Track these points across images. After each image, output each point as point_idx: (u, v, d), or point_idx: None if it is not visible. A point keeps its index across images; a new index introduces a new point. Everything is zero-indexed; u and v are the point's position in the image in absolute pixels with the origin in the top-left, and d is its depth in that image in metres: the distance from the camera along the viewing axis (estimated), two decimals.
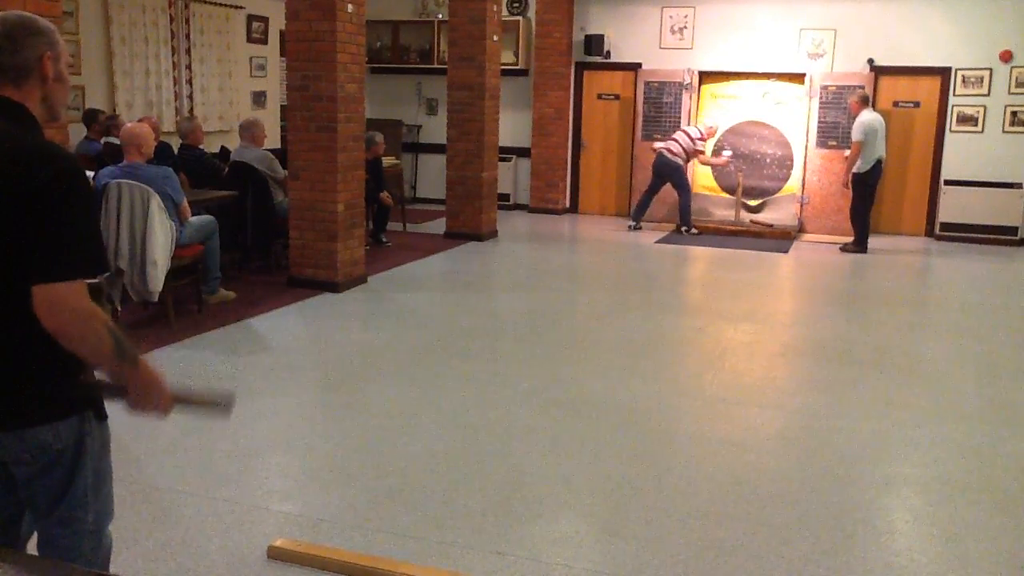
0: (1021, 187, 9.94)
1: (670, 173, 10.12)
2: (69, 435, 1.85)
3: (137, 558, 2.87)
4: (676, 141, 10.14)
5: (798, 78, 10.44)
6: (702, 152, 10.26)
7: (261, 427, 4.04)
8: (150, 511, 3.18)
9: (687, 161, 10.12)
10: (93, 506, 1.94)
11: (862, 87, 9.90)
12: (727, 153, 10.52)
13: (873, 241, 9.43)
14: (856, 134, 9.02)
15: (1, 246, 1.70)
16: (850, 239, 9.52)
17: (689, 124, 10.54)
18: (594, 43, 11.24)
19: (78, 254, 1.73)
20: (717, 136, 10.73)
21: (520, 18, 11.48)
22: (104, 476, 1.97)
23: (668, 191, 10.79)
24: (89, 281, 1.80)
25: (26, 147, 1.74)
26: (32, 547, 2.04)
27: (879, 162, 9.09)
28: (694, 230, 10.23)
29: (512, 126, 11.62)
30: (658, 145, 10.21)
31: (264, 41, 10.70)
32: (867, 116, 9.02)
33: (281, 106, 10.45)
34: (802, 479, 3.66)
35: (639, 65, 11.14)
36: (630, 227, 10.42)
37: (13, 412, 1.80)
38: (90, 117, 7.77)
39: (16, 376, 1.79)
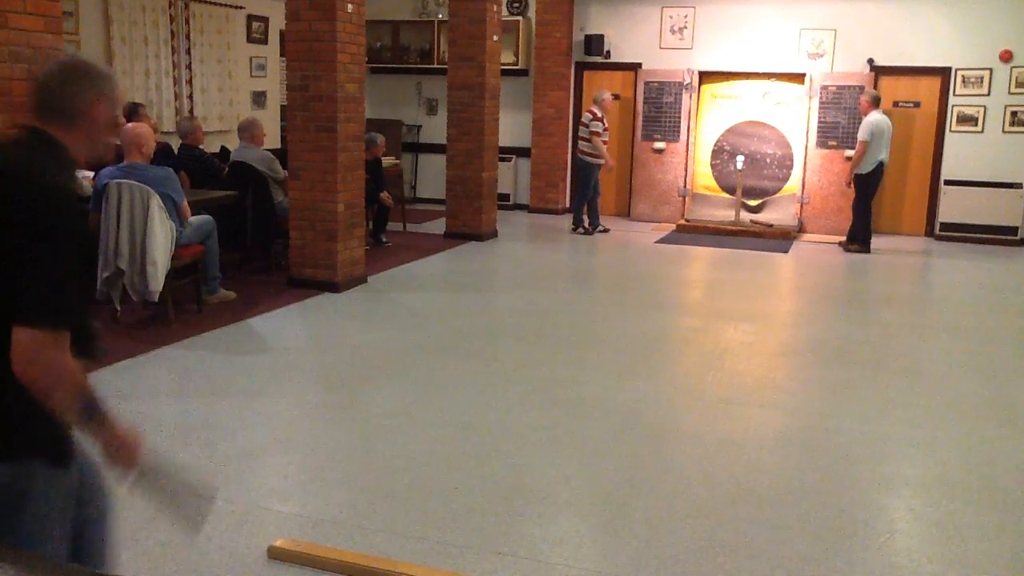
0: (1021, 187, 9.94)
1: (579, 171, 10.10)
2: (8, 476, 1.79)
3: (137, 558, 2.87)
4: (580, 138, 9.95)
5: (798, 78, 10.44)
6: (597, 133, 9.76)
7: (261, 427, 4.04)
8: (150, 511, 3.17)
9: (594, 153, 9.79)
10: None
11: (863, 87, 9.91)
12: (740, 159, 10.45)
13: (873, 241, 9.42)
14: (862, 134, 9.02)
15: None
16: (843, 237, 9.55)
17: (586, 113, 10.03)
18: (594, 43, 11.25)
19: (56, 302, 1.68)
20: (716, 137, 10.75)
21: (520, 18, 11.48)
22: (50, 526, 1.87)
23: (665, 190, 10.81)
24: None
25: (33, 183, 1.74)
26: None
27: (881, 164, 9.09)
28: (581, 229, 10.08)
29: (512, 126, 11.62)
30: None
31: (264, 41, 10.69)
32: (875, 117, 9.02)
33: (281, 106, 10.45)
34: (802, 479, 3.66)
35: (639, 65, 11.14)
36: (573, 229, 10.19)
37: None
38: (131, 111, 7.71)
39: None
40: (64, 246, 1.70)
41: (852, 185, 9.25)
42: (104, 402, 1.80)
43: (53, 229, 1.69)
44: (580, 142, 9.98)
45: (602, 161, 9.88)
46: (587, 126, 9.80)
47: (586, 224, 10.12)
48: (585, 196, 10.11)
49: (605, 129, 9.83)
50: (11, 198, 1.69)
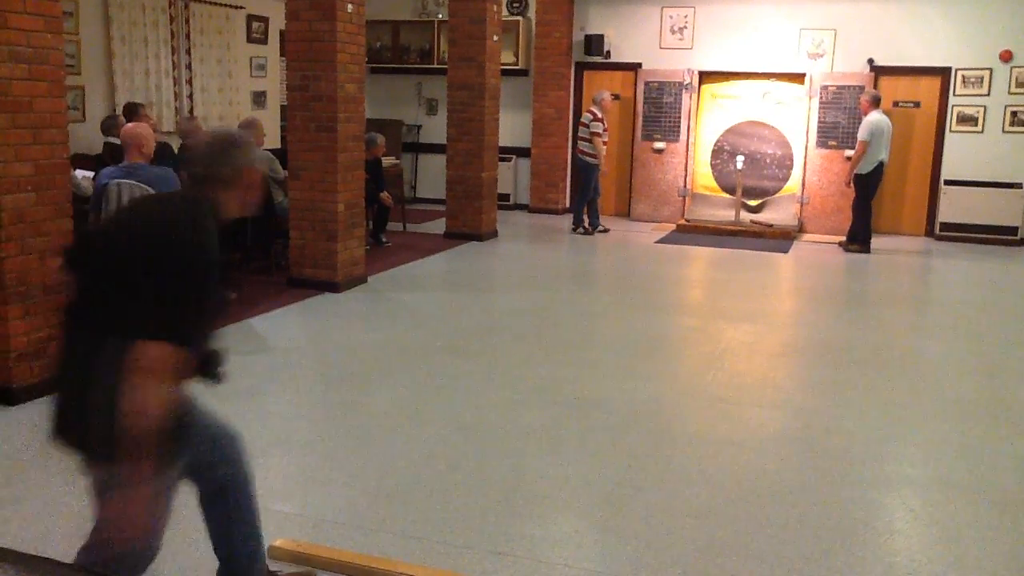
0: (1021, 187, 9.94)
1: (579, 171, 10.10)
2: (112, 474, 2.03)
3: None
4: (580, 138, 9.97)
5: (798, 78, 10.44)
6: (597, 133, 9.78)
7: (261, 427, 4.04)
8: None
9: (594, 153, 9.80)
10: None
11: (863, 87, 9.91)
12: (740, 159, 10.46)
13: (873, 241, 9.43)
14: (862, 133, 9.02)
15: (128, 299, 1.99)
16: (843, 237, 9.56)
17: (586, 114, 10.03)
18: (594, 43, 11.25)
19: (182, 321, 2.01)
20: (716, 137, 10.75)
21: (520, 18, 11.48)
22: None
23: (665, 190, 10.81)
24: None
25: (175, 219, 2.08)
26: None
27: (880, 164, 9.09)
28: (582, 229, 10.09)
29: (512, 126, 11.62)
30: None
31: (264, 41, 10.69)
32: (875, 117, 9.02)
33: (281, 106, 10.45)
34: (802, 479, 3.66)
35: (639, 65, 11.14)
36: (573, 229, 10.20)
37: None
38: (131, 111, 7.71)
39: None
40: (191, 284, 2.03)
41: (852, 185, 9.25)
42: (165, 448, 2.00)
43: (187, 268, 2.03)
44: (580, 142, 9.98)
45: (598, 160, 9.89)
46: (587, 126, 9.80)
47: (586, 224, 10.12)
48: (586, 196, 10.11)
49: (605, 130, 9.83)
50: (162, 242, 2.04)
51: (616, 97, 11.04)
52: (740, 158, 10.44)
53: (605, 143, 9.88)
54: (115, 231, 2.20)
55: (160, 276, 2.00)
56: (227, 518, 2.45)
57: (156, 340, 1.94)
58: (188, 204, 2.17)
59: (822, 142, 10.38)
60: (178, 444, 2.10)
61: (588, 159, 9.87)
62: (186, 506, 3.24)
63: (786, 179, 10.62)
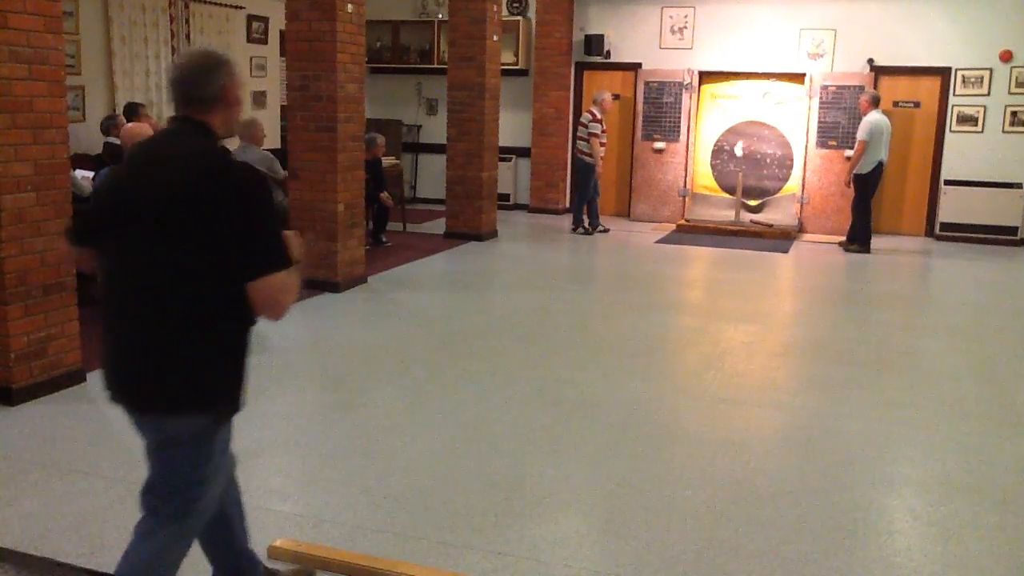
0: (1021, 187, 9.94)
1: (578, 171, 10.11)
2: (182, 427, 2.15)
3: None
4: (579, 138, 9.97)
5: (798, 78, 10.44)
6: (595, 135, 9.77)
7: (261, 427, 4.04)
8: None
9: (591, 154, 9.80)
10: (203, 496, 2.22)
11: (862, 87, 9.91)
12: (739, 146, 10.48)
13: (873, 241, 9.43)
14: (861, 133, 9.03)
15: (184, 242, 2.01)
16: (843, 237, 9.57)
17: (586, 114, 10.02)
18: (594, 43, 11.25)
19: (282, 248, 2.08)
20: (719, 136, 10.74)
21: (520, 18, 11.48)
22: (213, 471, 2.24)
23: (665, 190, 10.80)
24: None
25: (218, 161, 2.08)
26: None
27: (880, 164, 9.09)
28: (582, 229, 10.09)
29: (512, 126, 11.62)
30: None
31: (264, 41, 10.70)
32: (874, 117, 9.02)
33: (281, 106, 10.45)
34: (802, 479, 3.66)
35: (639, 65, 11.14)
36: (573, 230, 10.20)
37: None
38: (131, 111, 7.71)
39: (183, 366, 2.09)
40: (258, 204, 2.06)
41: (851, 185, 9.26)
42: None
43: (252, 196, 2.05)
44: (578, 142, 9.99)
45: (596, 161, 9.89)
46: (585, 127, 9.80)
47: (586, 224, 10.12)
48: (585, 196, 10.11)
49: (603, 131, 9.83)
50: (204, 181, 2.03)
51: (616, 97, 11.04)
52: (740, 145, 10.43)
53: (603, 144, 9.87)
54: (144, 194, 2.08)
55: (237, 222, 2.01)
56: (229, 535, 2.48)
57: (278, 270, 2.04)
58: (201, 141, 2.14)
59: (822, 142, 10.38)
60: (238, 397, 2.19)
61: (586, 159, 9.88)
62: None
63: (786, 179, 10.62)
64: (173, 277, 2.03)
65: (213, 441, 2.18)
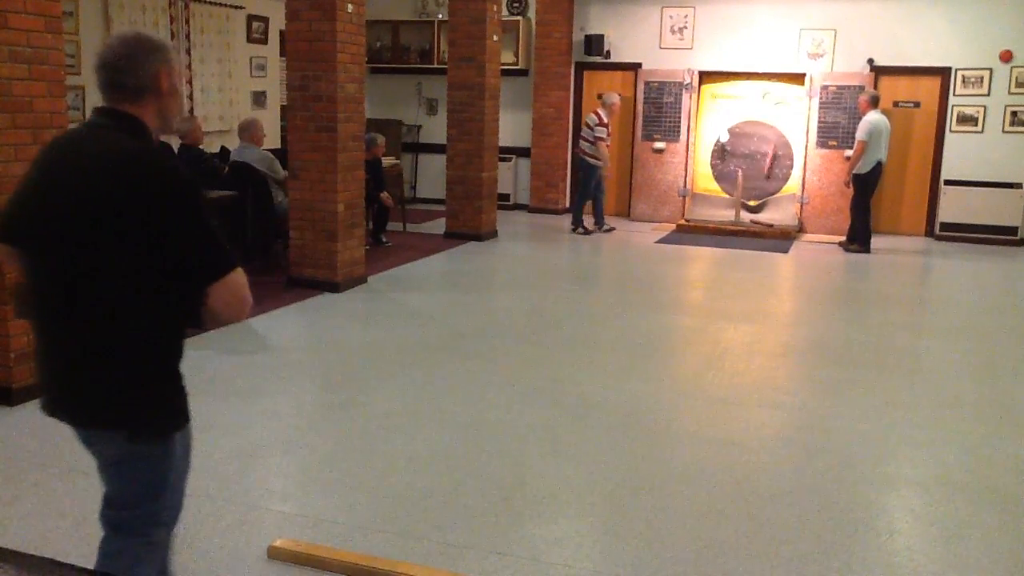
0: (1021, 187, 9.94)
1: (579, 170, 10.12)
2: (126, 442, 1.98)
3: None
4: (583, 138, 9.98)
5: (798, 78, 10.44)
6: (601, 139, 9.80)
7: (261, 427, 4.04)
8: None
9: (595, 155, 9.86)
10: (168, 504, 2.09)
11: (863, 87, 9.91)
12: (723, 139, 10.54)
13: (873, 241, 9.43)
14: (860, 133, 9.03)
15: (116, 253, 1.83)
16: (843, 237, 9.57)
17: (592, 115, 10.05)
18: (594, 43, 11.25)
19: (222, 250, 1.90)
20: (720, 137, 10.74)
21: (520, 18, 11.48)
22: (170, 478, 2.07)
23: (665, 190, 10.79)
24: None
25: (143, 158, 1.87)
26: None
27: (879, 164, 9.09)
28: (581, 229, 10.08)
29: (512, 126, 11.62)
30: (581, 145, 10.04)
31: (264, 41, 10.69)
32: (873, 117, 9.02)
33: (281, 106, 10.44)
34: (802, 479, 3.66)
35: (639, 65, 11.14)
36: (572, 229, 10.19)
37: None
38: None
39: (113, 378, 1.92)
40: (199, 207, 1.88)
41: (850, 185, 9.25)
42: None
43: (192, 200, 1.86)
44: (582, 142, 9.99)
45: (603, 163, 9.90)
46: (592, 129, 9.80)
47: (586, 224, 10.12)
48: (585, 196, 10.11)
49: (609, 134, 9.87)
50: (131, 183, 1.82)
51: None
52: (725, 133, 10.40)
53: (608, 146, 9.91)
54: (66, 201, 1.87)
55: (181, 229, 1.84)
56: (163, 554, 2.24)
57: (226, 275, 1.88)
58: (128, 140, 1.89)
59: (822, 142, 10.38)
60: (184, 411, 2.05)
61: (588, 159, 9.88)
62: (186, 504, 3.25)
63: (786, 179, 10.61)
64: (103, 286, 1.86)
65: (169, 445, 2.01)
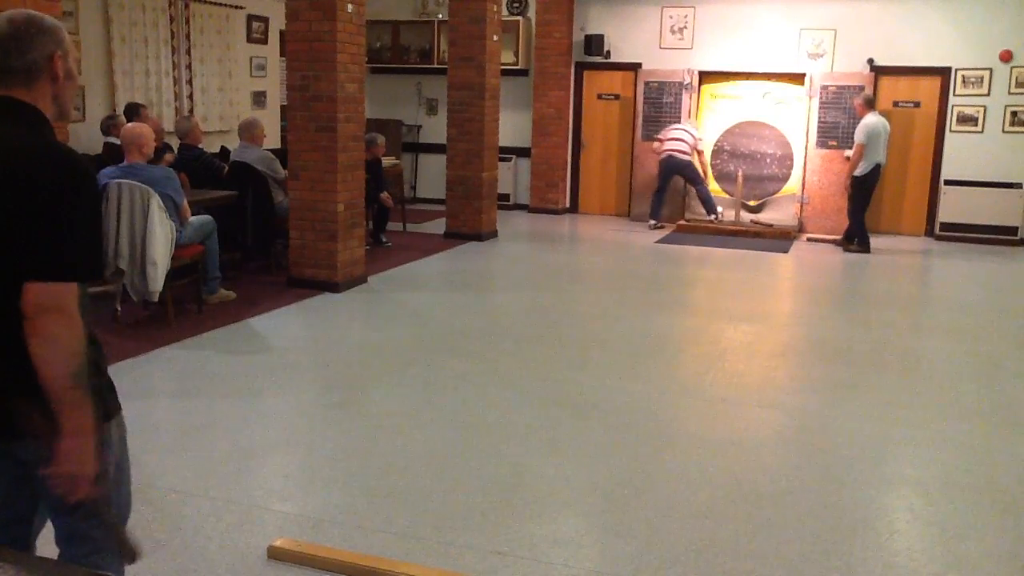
0: (1021, 187, 9.94)
1: (682, 170, 10.30)
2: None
3: None
4: (681, 140, 10.24)
5: (798, 78, 10.44)
6: (702, 152, 10.52)
7: (261, 427, 4.04)
8: (150, 511, 3.18)
9: (690, 152, 10.33)
10: (115, 500, 1.97)
11: (862, 87, 9.91)
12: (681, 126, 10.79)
13: (873, 241, 9.43)
14: (858, 136, 9.03)
15: (4, 244, 1.68)
16: (839, 237, 9.62)
17: (683, 123, 10.57)
18: (594, 43, 11.25)
19: (79, 256, 1.71)
20: (714, 137, 10.74)
21: (520, 18, 11.48)
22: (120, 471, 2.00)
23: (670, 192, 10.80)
24: (99, 288, 1.77)
25: (34, 147, 1.73)
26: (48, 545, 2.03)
27: (877, 167, 9.08)
28: (718, 217, 10.43)
29: (512, 126, 11.62)
30: (666, 147, 10.23)
31: (264, 41, 10.69)
32: (871, 119, 9.02)
33: (281, 106, 10.45)
34: (802, 479, 3.66)
35: (639, 65, 11.14)
36: (651, 225, 10.56)
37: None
38: (131, 111, 7.70)
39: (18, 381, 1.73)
40: (76, 201, 1.70)
41: (850, 188, 9.25)
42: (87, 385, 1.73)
43: (60, 183, 1.69)
44: (679, 142, 10.24)
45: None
46: (696, 140, 10.33)
47: (709, 214, 10.46)
48: (706, 183, 10.48)
49: (701, 151, 10.60)
50: (12, 167, 1.67)
51: (616, 97, 11.09)
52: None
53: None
54: None
55: (54, 210, 1.67)
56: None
57: (58, 279, 1.67)
58: (24, 130, 1.75)
59: (822, 142, 10.38)
60: (111, 397, 1.93)
61: (687, 157, 10.22)
62: (186, 503, 3.25)
63: (786, 179, 10.61)
64: (10, 288, 1.69)
65: (107, 441, 1.91)
